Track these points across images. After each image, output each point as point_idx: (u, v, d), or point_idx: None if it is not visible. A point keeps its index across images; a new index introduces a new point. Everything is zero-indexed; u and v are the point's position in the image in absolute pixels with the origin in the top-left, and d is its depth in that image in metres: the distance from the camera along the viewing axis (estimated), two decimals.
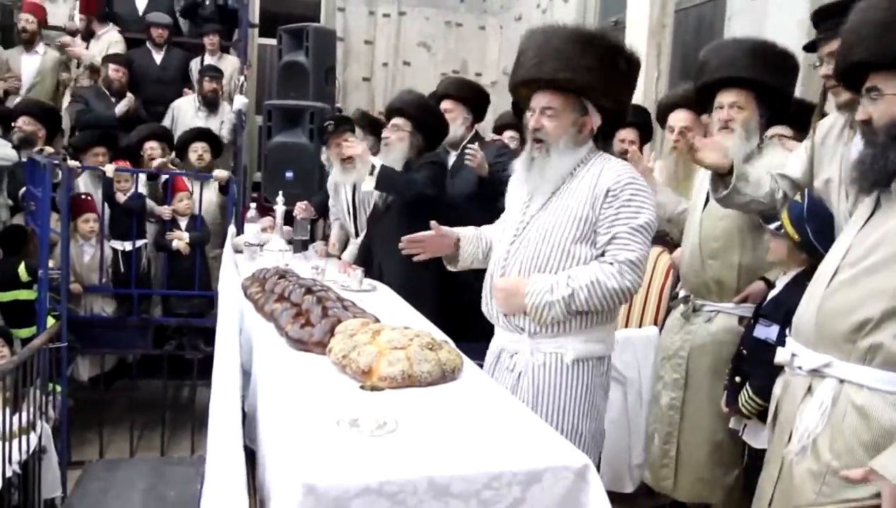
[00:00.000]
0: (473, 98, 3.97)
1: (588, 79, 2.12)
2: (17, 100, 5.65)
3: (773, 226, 2.38)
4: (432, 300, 3.19)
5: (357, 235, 3.96)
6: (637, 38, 5.57)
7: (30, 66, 5.96)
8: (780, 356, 1.91)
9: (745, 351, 2.45)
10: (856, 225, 1.79)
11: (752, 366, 2.36)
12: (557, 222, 2.17)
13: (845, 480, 1.64)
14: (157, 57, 6.18)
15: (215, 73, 5.86)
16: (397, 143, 3.47)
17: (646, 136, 3.90)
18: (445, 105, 3.84)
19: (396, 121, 3.53)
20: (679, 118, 3.32)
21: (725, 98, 2.64)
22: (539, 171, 2.22)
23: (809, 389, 1.80)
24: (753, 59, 2.57)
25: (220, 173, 5.15)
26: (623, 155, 3.26)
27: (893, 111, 1.67)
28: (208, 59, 6.18)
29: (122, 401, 4.75)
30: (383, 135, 3.59)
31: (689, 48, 5.12)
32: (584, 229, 2.14)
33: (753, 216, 2.58)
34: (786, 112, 2.71)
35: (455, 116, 3.82)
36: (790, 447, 1.82)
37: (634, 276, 2.10)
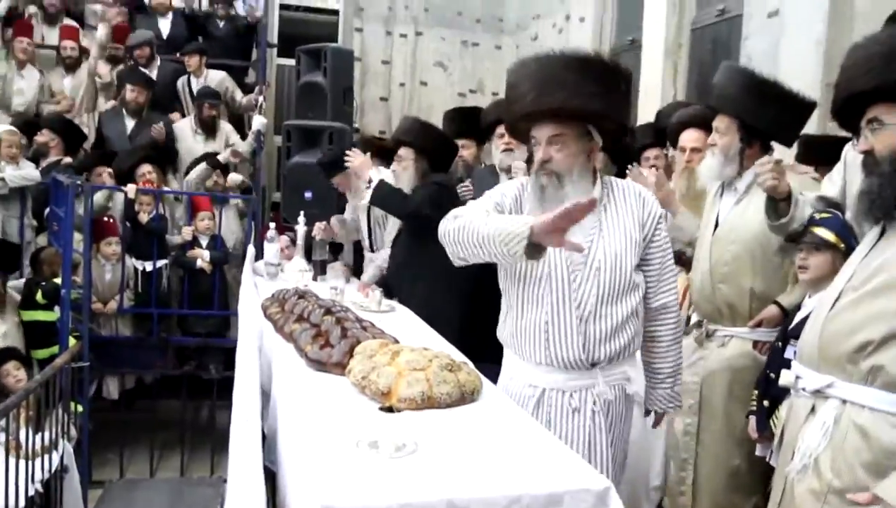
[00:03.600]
0: None
1: (594, 105, 2.07)
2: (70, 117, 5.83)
3: (811, 243, 2.37)
4: (453, 322, 3.17)
5: (372, 250, 3.98)
6: (653, 57, 5.58)
7: (71, 87, 6.14)
8: (785, 378, 1.94)
9: (772, 375, 2.42)
10: (862, 250, 1.83)
11: (782, 389, 2.34)
12: (620, 249, 2.12)
13: (851, 503, 1.66)
14: (151, 75, 6.16)
15: (215, 99, 5.84)
16: (403, 173, 3.50)
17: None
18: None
19: (400, 152, 3.56)
20: (691, 138, 3.32)
21: (715, 122, 2.72)
22: (555, 202, 2.06)
23: (813, 410, 1.82)
24: (744, 96, 2.59)
25: (234, 177, 5.32)
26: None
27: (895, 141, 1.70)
28: (195, 81, 6.16)
29: (142, 421, 4.77)
30: (392, 168, 3.61)
31: (706, 67, 5.13)
32: (637, 253, 2.17)
33: (763, 240, 2.59)
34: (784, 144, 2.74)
35: (518, 142, 3.63)
36: (791, 465, 1.84)
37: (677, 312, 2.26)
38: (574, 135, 2.11)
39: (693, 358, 2.81)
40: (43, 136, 5.27)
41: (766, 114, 2.55)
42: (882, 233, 1.78)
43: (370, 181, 3.30)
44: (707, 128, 3.17)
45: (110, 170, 5.10)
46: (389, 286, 3.54)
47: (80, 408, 4.17)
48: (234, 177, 5.54)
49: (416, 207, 3.31)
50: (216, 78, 6.23)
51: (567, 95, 2.05)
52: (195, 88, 6.07)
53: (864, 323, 1.70)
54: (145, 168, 5.23)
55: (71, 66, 6.13)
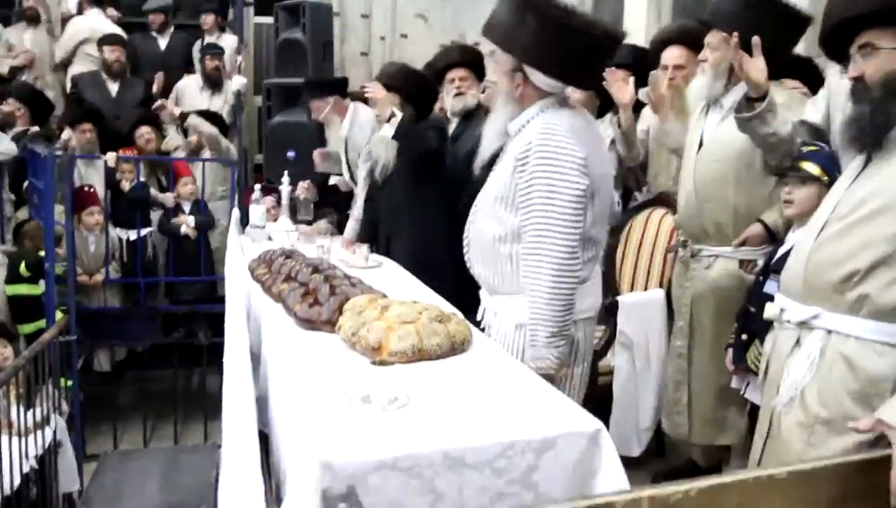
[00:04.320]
0: (481, 64, 3.75)
1: (495, 34, 2.12)
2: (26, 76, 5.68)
3: (797, 176, 2.36)
4: (445, 272, 3.12)
5: (354, 182, 3.94)
6: (637, 2, 5.49)
7: (32, 41, 5.94)
8: (769, 311, 1.93)
9: (752, 309, 2.43)
10: (846, 180, 1.80)
11: (763, 323, 2.34)
12: (492, 183, 2.20)
13: (838, 422, 1.66)
14: (162, 42, 6.11)
15: (216, 49, 5.77)
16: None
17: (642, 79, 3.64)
18: (459, 73, 3.59)
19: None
20: (673, 55, 3.26)
21: (707, 37, 2.65)
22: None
23: (798, 342, 1.82)
24: (739, 10, 2.52)
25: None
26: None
27: (889, 66, 1.67)
28: (208, 39, 6.06)
29: (133, 392, 4.76)
30: (375, 113, 3.53)
31: (690, 10, 5.03)
32: (504, 192, 2.12)
33: (747, 157, 2.56)
34: (772, 62, 2.61)
35: (469, 85, 3.60)
36: (778, 398, 1.85)
37: (568, 271, 2.01)
38: (502, 64, 2.17)
39: (681, 280, 2.83)
40: (9, 106, 5.10)
41: (761, 28, 2.47)
42: (867, 162, 1.75)
43: (392, 115, 3.23)
44: (689, 44, 3.12)
45: (91, 125, 4.95)
46: (379, 231, 3.50)
47: (69, 383, 4.14)
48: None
49: (436, 145, 3.28)
50: (231, 42, 6.13)
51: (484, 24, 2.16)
52: None
53: (850, 252, 1.69)
54: (143, 129, 5.14)
55: (33, 18, 5.92)
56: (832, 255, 1.72)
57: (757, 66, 2.30)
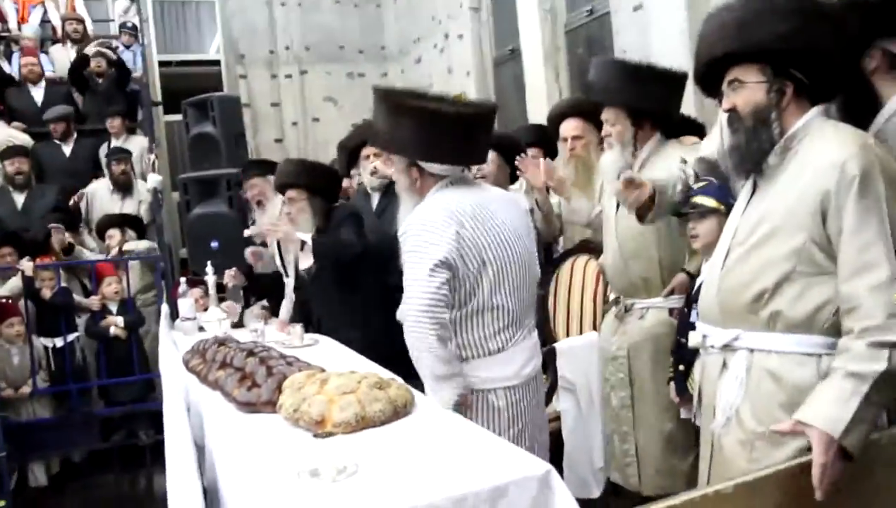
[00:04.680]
0: None
1: (384, 141, 2.32)
2: None
3: (696, 212, 2.49)
4: (384, 347, 2.98)
5: (286, 274, 3.92)
6: (534, 62, 5.77)
7: None
8: (693, 340, 2.02)
9: (683, 340, 2.53)
10: (740, 207, 1.94)
11: (693, 352, 2.45)
12: None
13: (775, 434, 1.73)
14: (66, 149, 6.08)
15: (122, 154, 5.76)
16: (300, 215, 3.42)
17: (551, 154, 3.84)
18: (372, 150, 3.60)
19: (289, 194, 3.47)
20: (570, 127, 3.43)
21: (604, 115, 2.81)
22: None
23: (724, 365, 1.91)
24: (625, 85, 2.70)
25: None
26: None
27: (755, 98, 1.82)
28: (115, 143, 6.08)
29: (76, 505, 4.52)
30: (284, 211, 3.55)
31: (585, 65, 5.30)
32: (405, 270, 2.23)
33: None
34: (667, 121, 2.83)
35: (384, 159, 3.57)
36: (716, 422, 1.92)
37: (422, 327, 2.12)
38: (397, 164, 2.34)
39: (617, 334, 2.92)
40: None
41: (648, 94, 2.67)
42: (755, 187, 1.90)
43: (303, 244, 3.25)
44: (584, 115, 3.31)
45: (11, 249, 4.84)
46: (312, 314, 3.49)
47: (2, 503, 3.93)
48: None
49: (359, 248, 3.28)
50: (140, 143, 6.11)
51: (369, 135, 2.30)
52: None
53: (755, 274, 1.80)
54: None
55: None
56: (740, 278, 1.84)
57: (632, 197, 2.39)
